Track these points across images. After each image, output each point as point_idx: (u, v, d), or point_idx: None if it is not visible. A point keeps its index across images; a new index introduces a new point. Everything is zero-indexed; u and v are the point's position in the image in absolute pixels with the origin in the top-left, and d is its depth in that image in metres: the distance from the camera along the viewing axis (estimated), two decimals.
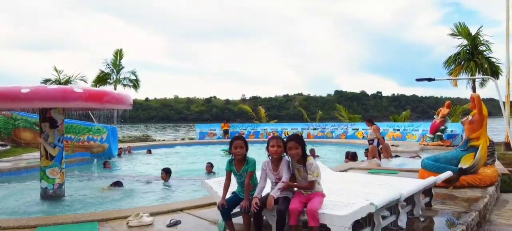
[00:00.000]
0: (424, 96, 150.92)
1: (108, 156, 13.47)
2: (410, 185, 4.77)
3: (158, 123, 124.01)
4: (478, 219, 5.20)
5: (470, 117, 7.69)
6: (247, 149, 4.27)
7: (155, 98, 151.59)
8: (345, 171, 9.05)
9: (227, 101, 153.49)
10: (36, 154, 14.16)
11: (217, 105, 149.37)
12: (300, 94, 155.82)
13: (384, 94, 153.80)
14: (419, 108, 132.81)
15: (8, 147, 16.26)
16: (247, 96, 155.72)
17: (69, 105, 6.65)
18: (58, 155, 7.46)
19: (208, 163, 11.10)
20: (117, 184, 8.61)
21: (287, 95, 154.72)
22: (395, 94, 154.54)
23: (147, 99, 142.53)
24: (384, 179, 5.58)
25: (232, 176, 4.39)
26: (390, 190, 4.61)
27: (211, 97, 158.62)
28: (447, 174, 5.54)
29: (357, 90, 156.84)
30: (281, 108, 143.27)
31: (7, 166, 11.40)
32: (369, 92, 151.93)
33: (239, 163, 4.27)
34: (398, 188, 4.60)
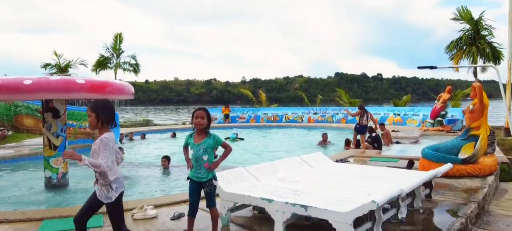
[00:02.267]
0: (425, 78, 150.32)
1: None
2: (410, 179, 4.82)
3: (158, 105, 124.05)
4: (477, 211, 5.28)
5: (471, 106, 7.73)
6: (209, 121, 4.10)
7: (155, 80, 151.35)
8: (345, 159, 9.13)
9: (227, 83, 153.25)
10: (38, 140, 14.22)
11: (217, 87, 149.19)
12: (301, 76, 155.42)
13: (384, 76, 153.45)
14: (419, 90, 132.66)
15: (10, 133, 16.33)
16: (247, 79, 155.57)
17: (71, 96, 6.67)
18: (61, 144, 7.51)
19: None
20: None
21: (288, 77, 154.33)
22: (396, 77, 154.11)
23: (147, 81, 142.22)
24: (385, 171, 5.63)
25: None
26: (391, 184, 4.68)
27: (211, 79, 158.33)
28: (447, 166, 5.60)
29: (357, 72, 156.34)
30: (282, 90, 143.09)
31: (10, 153, 11.46)
32: (370, 75, 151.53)
33: (199, 135, 4.09)
34: (399, 182, 4.67)
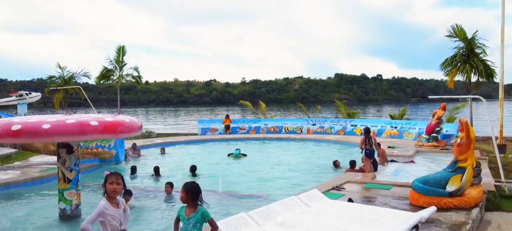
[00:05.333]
0: (424, 79, 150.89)
1: (115, 162, 14.06)
2: (398, 224, 5.32)
3: (158, 106, 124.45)
4: None
5: (458, 140, 8.25)
6: (192, 196, 4.28)
7: (155, 81, 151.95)
8: (341, 186, 9.63)
9: (227, 84, 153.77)
10: (43, 158, 14.63)
11: (217, 88, 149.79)
12: (301, 77, 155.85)
13: (384, 77, 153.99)
14: (419, 91, 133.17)
15: (16, 150, 16.86)
16: (247, 79, 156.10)
17: (86, 138, 7.19)
18: (75, 178, 8.04)
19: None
20: (128, 193, 9.03)
21: (287, 78, 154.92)
22: (396, 77, 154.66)
23: (147, 82, 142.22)
24: (374, 212, 6.11)
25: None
26: (380, 228, 5.22)
27: (211, 80, 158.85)
28: (432, 210, 6.09)
29: (357, 73, 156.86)
30: (281, 91, 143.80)
31: (20, 177, 11.44)
32: (370, 75, 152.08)
33: (190, 208, 4.28)
34: (387, 228, 5.19)
